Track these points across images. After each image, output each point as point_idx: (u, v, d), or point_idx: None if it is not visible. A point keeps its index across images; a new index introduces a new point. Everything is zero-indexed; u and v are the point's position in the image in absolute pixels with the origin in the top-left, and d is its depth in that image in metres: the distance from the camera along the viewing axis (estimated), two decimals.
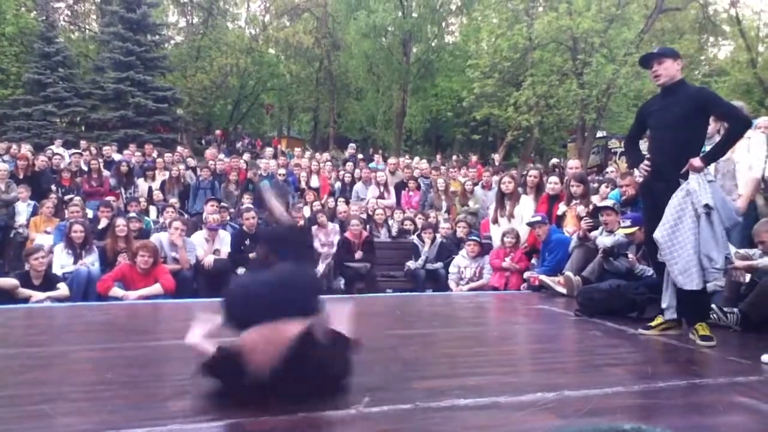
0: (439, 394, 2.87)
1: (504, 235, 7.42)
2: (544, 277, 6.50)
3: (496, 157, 18.53)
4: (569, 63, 20.85)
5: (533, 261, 7.21)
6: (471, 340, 4.51)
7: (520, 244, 7.37)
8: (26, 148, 12.42)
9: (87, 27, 33.20)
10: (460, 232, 8.61)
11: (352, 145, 16.94)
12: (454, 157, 19.35)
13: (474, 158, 17.78)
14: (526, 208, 7.61)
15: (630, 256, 5.67)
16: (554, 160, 16.80)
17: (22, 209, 8.92)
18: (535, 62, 21.75)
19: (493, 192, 8.82)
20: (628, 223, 5.59)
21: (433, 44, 31.33)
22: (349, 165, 12.79)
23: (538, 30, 20.44)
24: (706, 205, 3.99)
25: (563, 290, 6.17)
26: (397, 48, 29.60)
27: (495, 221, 7.83)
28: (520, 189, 7.95)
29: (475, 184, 10.31)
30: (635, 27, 21.24)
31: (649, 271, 5.26)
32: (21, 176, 9.87)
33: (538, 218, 6.98)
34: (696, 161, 4.07)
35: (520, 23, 21.40)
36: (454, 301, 6.79)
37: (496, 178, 9.81)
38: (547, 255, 6.78)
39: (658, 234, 4.13)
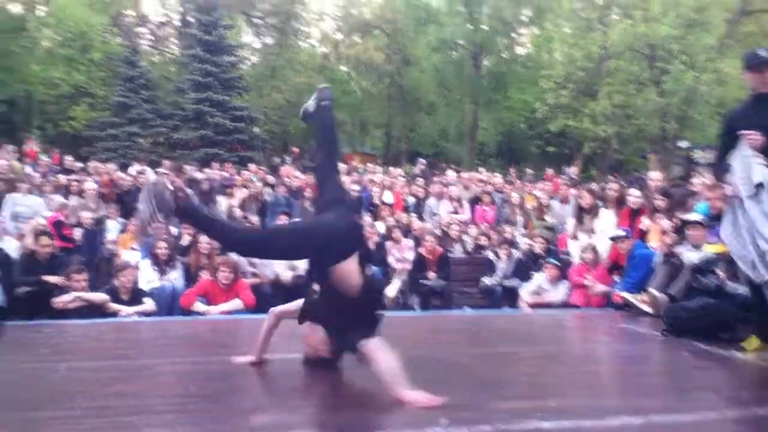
0: (521, 416, 2.81)
1: (582, 251, 7.19)
2: (627, 295, 6.20)
3: (572, 171, 18.00)
4: (647, 71, 20.22)
5: (616, 278, 6.94)
6: (551, 359, 4.39)
7: (599, 259, 7.12)
8: (111, 168, 12.97)
9: (168, 50, 34.61)
10: (538, 247, 8.39)
11: (421, 160, 16.90)
12: (529, 171, 18.98)
13: (550, 171, 17.32)
14: (607, 222, 7.37)
15: (720, 273, 5.39)
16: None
17: (113, 227, 9.30)
18: (610, 71, 21.19)
19: (571, 206, 8.60)
20: (716, 239, 5.32)
21: (504, 56, 30.99)
22: (420, 180, 12.76)
23: (612, 38, 19.97)
24: (759, 185, 3.83)
25: (648, 309, 5.87)
26: (468, 61, 29.43)
27: (574, 236, 7.62)
28: (599, 203, 7.72)
29: (552, 198, 10.08)
30: (716, 31, 20.41)
31: (741, 289, 4.99)
32: (109, 195, 10.33)
33: (622, 233, 6.74)
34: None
35: (594, 32, 20.95)
36: (533, 319, 6.62)
37: (573, 191, 9.57)
38: (630, 271, 6.46)
39: (723, 233, 4.06)
